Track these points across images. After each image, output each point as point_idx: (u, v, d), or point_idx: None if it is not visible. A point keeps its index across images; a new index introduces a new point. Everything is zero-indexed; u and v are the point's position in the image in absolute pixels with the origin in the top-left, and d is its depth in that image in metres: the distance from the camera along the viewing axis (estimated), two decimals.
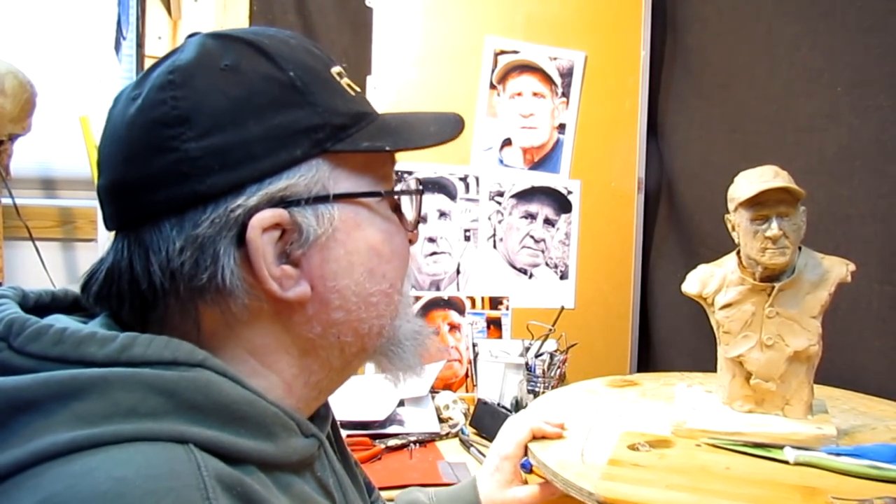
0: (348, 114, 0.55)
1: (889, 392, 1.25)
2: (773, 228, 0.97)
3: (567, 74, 1.86)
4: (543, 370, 1.52)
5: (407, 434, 1.46)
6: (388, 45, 1.76)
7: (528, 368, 1.54)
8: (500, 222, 1.85)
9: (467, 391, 1.74)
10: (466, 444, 1.46)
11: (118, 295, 0.52)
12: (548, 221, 1.88)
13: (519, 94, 1.83)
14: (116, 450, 0.42)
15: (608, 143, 1.90)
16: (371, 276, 0.56)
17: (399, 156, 0.61)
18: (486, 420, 1.50)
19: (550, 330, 1.59)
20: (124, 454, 0.42)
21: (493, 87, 1.82)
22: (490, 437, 1.59)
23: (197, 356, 0.49)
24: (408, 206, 0.61)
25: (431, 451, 1.44)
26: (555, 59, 1.85)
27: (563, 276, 1.88)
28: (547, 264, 1.88)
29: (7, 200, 1.68)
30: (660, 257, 1.94)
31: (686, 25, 1.87)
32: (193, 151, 0.49)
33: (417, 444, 1.45)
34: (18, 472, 0.41)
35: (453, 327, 1.80)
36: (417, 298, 1.78)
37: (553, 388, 1.49)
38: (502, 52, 1.81)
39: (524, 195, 1.86)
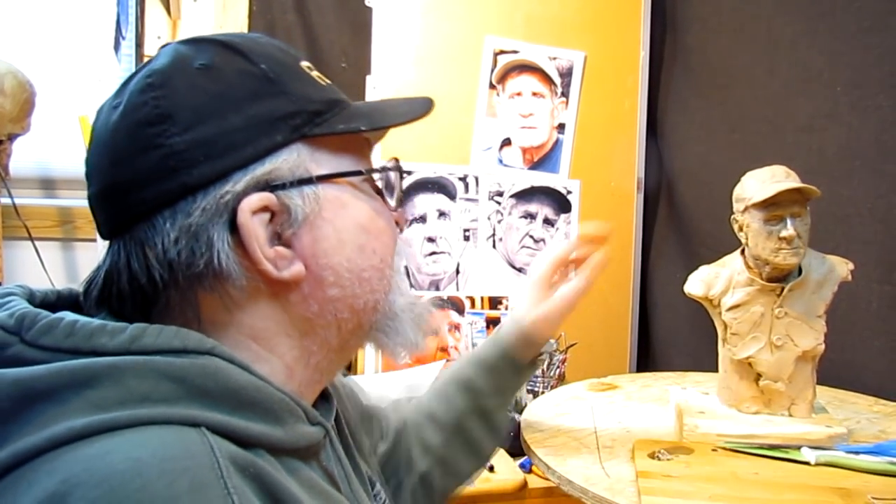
0: (322, 100, 0.57)
1: (889, 392, 1.25)
2: (789, 229, 0.97)
3: (567, 74, 1.86)
4: (543, 370, 1.52)
5: None
6: (387, 45, 1.76)
7: None
8: (499, 222, 1.85)
9: None
10: None
11: (118, 295, 0.54)
12: (547, 221, 1.88)
13: (518, 94, 1.83)
14: (132, 433, 0.43)
15: (608, 142, 1.90)
16: (361, 252, 0.58)
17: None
18: None
19: None
20: (140, 437, 0.43)
21: (492, 86, 1.82)
22: None
23: (206, 344, 0.50)
24: (389, 191, 0.63)
25: None
26: (554, 58, 1.85)
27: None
28: None
29: (6, 200, 1.68)
30: (659, 257, 1.94)
31: (686, 25, 1.87)
32: (178, 145, 0.51)
33: None
34: (36, 457, 0.42)
35: (453, 327, 1.80)
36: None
37: (552, 387, 1.49)
38: (502, 52, 1.81)
39: (524, 195, 1.86)
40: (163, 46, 0.57)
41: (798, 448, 0.97)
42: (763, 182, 1.00)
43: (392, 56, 1.76)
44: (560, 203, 1.88)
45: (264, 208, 0.53)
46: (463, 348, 1.78)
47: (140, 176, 0.52)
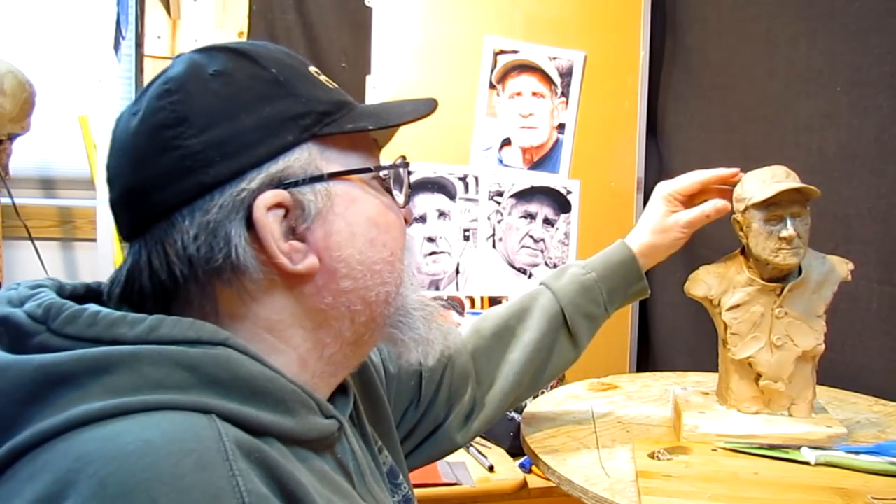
0: (330, 102, 0.60)
1: (889, 392, 1.25)
2: (789, 229, 0.97)
3: (566, 74, 1.86)
4: None
5: None
6: (387, 45, 1.76)
7: None
8: (499, 222, 1.85)
9: None
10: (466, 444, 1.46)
11: (140, 291, 0.56)
12: (547, 221, 1.88)
13: (518, 94, 1.83)
14: (144, 417, 0.45)
15: (608, 142, 1.90)
16: (372, 246, 0.61)
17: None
18: None
19: None
20: (151, 420, 0.45)
21: (492, 86, 1.82)
22: (490, 437, 1.59)
23: (220, 335, 0.52)
24: (397, 188, 0.65)
25: None
26: (554, 58, 1.85)
27: None
28: (546, 264, 1.88)
29: (6, 200, 1.68)
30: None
31: (686, 25, 1.87)
32: (195, 146, 0.54)
33: None
34: (55, 437, 0.44)
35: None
36: None
37: (552, 387, 1.49)
38: (502, 52, 1.81)
39: (523, 195, 1.86)
40: (177, 56, 0.61)
41: (798, 448, 0.97)
42: (763, 182, 1.00)
43: (392, 56, 1.76)
44: (560, 203, 1.88)
45: (278, 204, 0.56)
46: None
47: (159, 177, 0.55)
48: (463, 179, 1.82)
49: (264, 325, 0.57)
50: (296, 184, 0.57)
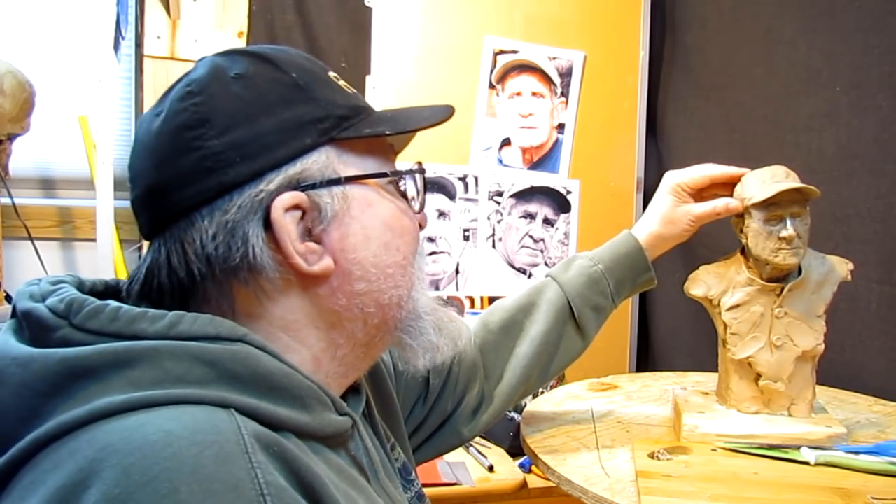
0: (348, 106, 0.61)
1: (889, 392, 1.25)
2: (789, 229, 0.97)
3: (566, 74, 1.86)
4: None
5: None
6: (387, 45, 1.76)
7: None
8: (499, 222, 1.85)
9: None
10: (465, 444, 1.46)
11: (159, 288, 0.57)
12: (547, 221, 1.88)
13: (518, 94, 1.84)
14: (166, 410, 0.46)
15: (607, 142, 1.90)
16: (386, 249, 0.62)
17: (399, 154, 0.69)
18: None
19: None
20: (173, 413, 0.46)
21: (492, 86, 1.82)
22: (489, 437, 1.59)
23: (238, 332, 0.53)
24: (413, 193, 0.67)
25: None
26: (554, 58, 1.85)
27: None
28: (546, 264, 1.88)
29: (6, 200, 1.68)
30: (659, 257, 1.94)
31: (685, 25, 1.87)
32: (216, 147, 0.55)
33: None
34: (78, 428, 0.45)
35: None
36: None
37: (552, 387, 1.49)
38: (501, 52, 1.81)
39: (523, 195, 1.86)
40: (200, 59, 0.62)
41: (798, 448, 0.96)
42: (763, 182, 1.00)
43: (392, 56, 1.76)
44: (560, 203, 1.88)
45: (296, 206, 0.57)
46: None
47: (180, 176, 0.56)
48: (463, 179, 1.82)
49: (279, 324, 0.58)
50: (313, 186, 0.58)
